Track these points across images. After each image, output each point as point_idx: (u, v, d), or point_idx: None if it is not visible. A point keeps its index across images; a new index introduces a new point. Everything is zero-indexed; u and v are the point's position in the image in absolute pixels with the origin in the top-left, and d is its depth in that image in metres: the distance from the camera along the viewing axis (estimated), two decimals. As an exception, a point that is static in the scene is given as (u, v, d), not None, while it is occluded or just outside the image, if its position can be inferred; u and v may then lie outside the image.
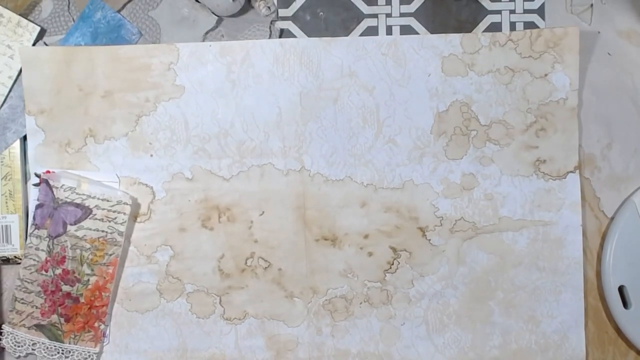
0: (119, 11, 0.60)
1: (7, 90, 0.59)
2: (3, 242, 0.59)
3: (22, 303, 0.58)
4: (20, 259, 0.59)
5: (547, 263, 0.60)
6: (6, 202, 0.59)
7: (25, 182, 0.60)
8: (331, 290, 0.60)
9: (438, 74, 0.59)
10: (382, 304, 0.60)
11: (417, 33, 0.61)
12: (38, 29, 0.59)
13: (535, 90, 0.59)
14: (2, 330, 0.58)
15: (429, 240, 0.60)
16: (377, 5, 0.61)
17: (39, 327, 0.58)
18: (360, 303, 0.60)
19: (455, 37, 0.59)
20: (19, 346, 0.58)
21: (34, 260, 0.58)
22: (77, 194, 0.57)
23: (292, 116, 0.59)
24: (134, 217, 0.59)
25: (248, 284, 0.60)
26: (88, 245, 0.58)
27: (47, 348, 0.58)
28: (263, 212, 0.60)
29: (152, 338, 0.60)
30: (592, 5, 0.61)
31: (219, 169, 0.59)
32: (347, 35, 0.61)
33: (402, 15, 0.61)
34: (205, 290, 0.60)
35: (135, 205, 0.59)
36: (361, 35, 0.61)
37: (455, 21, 0.61)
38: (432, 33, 0.60)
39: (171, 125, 0.59)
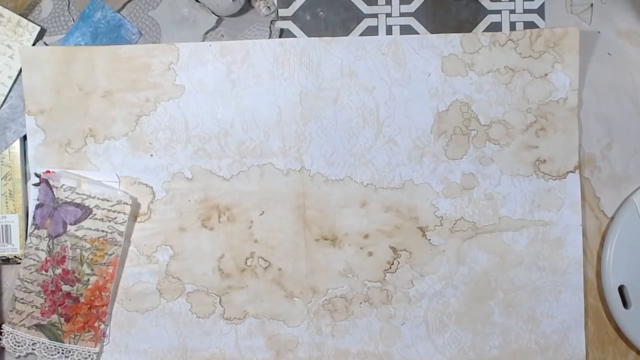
0: (119, 11, 0.60)
1: (7, 90, 0.59)
2: (3, 242, 0.59)
3: (22, 303, 0.58)
4: (20, 259, 0.59)
5: (547, 263, 0.60)
6: (6, 202, 0.59)
7: (25, 182, 0.60)
8: (331, 290, 0.60)
9: (438, 74, 0.59)
10: (382, 303, 0.60)
11: (417, 33, 0.61)
12: (38, 28, 0.59)
13: (535, 90, 0.59)
14: (2, 330, 0.58)
15: (429, 240, 0.60)
16: (377, 5, 0.61)
17: (39, 327, 0.58)
18: (360, 303, 0.60)
19: (455, 37, 0.59)
20: (19, 346, 0.58)
21: (34, 260, 0.58)
22: (77, 193, 0.57)
23: (292, 116, 0.59)
24: (134, 217, 0.59)
25: (248, 284, 0.60)
26: (88, 245, 0.58)
27: (47, 348, 0.58)
28: (263, 212, 0.60)
29: (152, 338, 0.60)
30: (592, 5, 0.61)
31: (219, 169, 0.59)
32: (347, 35, 0.61)
33: (402, 15, 0.61)
34: (205, 290, 0.60)
35: (135, 205, 0.59)
36: (361, 35, 0.61)
37: (455, 21, 0.61)
38: (432, 33, 0.60)
39: (171, 125, 0.59)
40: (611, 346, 0.61)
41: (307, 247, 0.60)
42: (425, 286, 0.60)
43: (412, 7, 0.61)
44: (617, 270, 0.59)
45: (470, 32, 0.60)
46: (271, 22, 0.60)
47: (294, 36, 0.61)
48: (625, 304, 0.59)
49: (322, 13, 0.61)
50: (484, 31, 0.60)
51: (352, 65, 0.59)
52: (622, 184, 0.61)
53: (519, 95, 0.59)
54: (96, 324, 0.58)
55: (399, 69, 0.59)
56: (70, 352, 0.58)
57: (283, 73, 0.59)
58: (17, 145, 0.60)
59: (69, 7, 0.60)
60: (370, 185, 0.60)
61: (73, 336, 0.58)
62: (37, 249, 0.57)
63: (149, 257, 0.60)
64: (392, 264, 0.60)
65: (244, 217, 0.60)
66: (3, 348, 0.58)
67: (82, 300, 0.58)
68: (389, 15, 0.61)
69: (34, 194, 0.58)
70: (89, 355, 0.59)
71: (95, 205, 0.57)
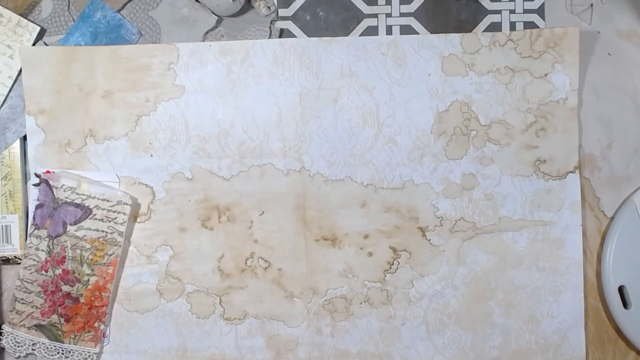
0: (119, 11, 0.60)
1: (7, 90, 0.59)
2: (3, 242, 0.59)
3: (22, 303, 0.58)
4: (20, 259, 0.59)
5: (547, 263, 0.60)
6: (6, 202, 0.59)
7: (25, 182, 0.60)
8: (331, 291, 0.60)
9: (438, 74, 0.59)
10: (382, 304, 0.60)
11: (417, 33, 0.61)
12: (38, 29, 0.59)
13: (535, 90, 0.59)
14: (2, 330, 0.58)
15: (429, 240, 0.60)
16: (377, 5, 0.61)
17: (39, 327, 0.58)
18: (360, 303, 0.60)
19: (455, 37, 0.59)
20: (19, 346, 0.58)
21: (34, 260, 0.58)
22: (77, 194, 0.57)
23: (292, 116, 0.59)
24: (134, 217, 0.59)
25: (248, 284, 0.60)
26: (88, 245, 0.58)
27: (47, 348, 0.58)
28: (263, 212, 0.60)
29: (152, 338, 0.60)
30: (592, 5, 0.61)
31: (219, 169, 0.59)
32: (347, 35, 0.61)
33: (402, 15, 0.61)
34: (205, 290, 0.60)
35: (135, 205, 0.59)
36: (361, 35, 0.61)
37: (455, 21, 0.61)
38: (432, 33, 0.60)
39: (171, 125, 0.59)
40: (611, 346, 0.61)
41: (307, 248, 0.60)
42: (425, 286, 0.60)
43: (412, 7, 0.61)
44: (617, 270, 0.59)
45: (470, 32, 0.60)
46: (271, 22, 0.60)
47: (294, 36, 0.61)
48: (625, 304, 0.59)
49: (322, 13, 0.61)
50: (484, 31, 0.60)
51: (352, 66, 0.59)
52: (622, 184, 0.61)
53: (519, 95, 0.59)
54: (96, 324, 0.58)
55: (399, 69, 0.59)
56: (70, 352, 0.58)
57: (283, 73, 0.59)
58: (17, 145, 0.60)
59: (69, 7, 0.60)
60: (370, 185, 0.60)
61: (73, 336, 0.58)
62: (37, 249, 0.57)
63: (149, 257, 0.60)
64: (392, 264, 0.60)
65: (244, 218, 0.60)
66: (3, 348, 0.58)
67: (82, 300, 0.58)
68: (389, 15, 0.61)
69: (34, 194, 0.58)
70: (89, 356, 0.59)
71: (95, 206, 0.57)
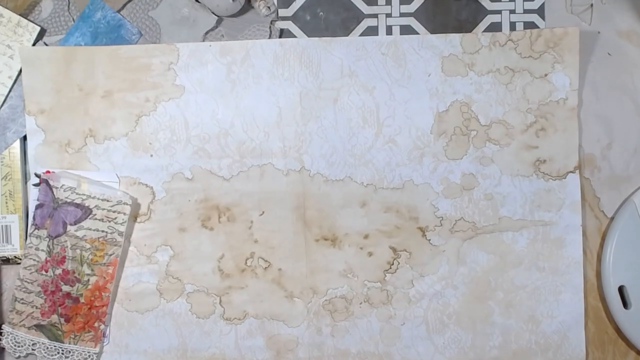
0: (119, 11, 0.60)
1: (7, 90, 0.59)
2: (3, 242, 0.59)
3: (22, 303, 0.58)
4: (20, 259, 0.59)
5: (547, 263, 0.60)
6: (6, 202, 0.59)
7: (25, 182, 0.60)
8: (331, 290, 0.60)
9: (438, 74, 0.59)
10: (382, 304, 0.60)
11: (417, 33, 0.61)
12: (38, 29, 0.59)
13: (535, 90, 0.59)
14: (2, 330, 0.58)
15: (429, 240, 0.60)
16: (377, 5, 0.61)
17: (39, 327, 0.58)
18: (360, 303, 0.60)
19: (455, 37, 0.59)
20: (19, 346, 0.58)
21: (34, 260, 0.58)
22: (77, 194, 0.57)
23: (292, 116, 0.59)
24: (134, 217, 0.59)
25: (248, 284, 0.60)
26: (88, 245, 0.58)
27: (47, 348, 0.58)
28: (263, 212, 0.60)
29: (152, 338, 0.60)
30: (592, 5, 0.61)
31: (219, 169, 0.59)
32: (347, 35, 0.61)
33: (402, 15, 0.61)
34: (205, 290, 0.60)
35: (135, 205, 0.59)
36: (361, 35, 0.61)
37: (455, 21, 0.61)
38: (432, 33, 0.60)
39: (171, 125, 0.59)
40: (611, 346, 0.61)
41: (307, 248, 0.60)
42: (425, 286, 0.60)
43: (412, 7, 0.61)
44: (617, 270, 0.59)
45: (470, 32, 0.60)
46: (271, 22, 0.60)
47: (294, 36, 0.61)
48: (625, 304, 0.59)
49: (322, 13, 0.61)
50: (484, 31, 0.60)
51: (352, 65, 0.59)
52: (622, 184, 0.61)
53: (519, 96, 0.59)
54: (96, 324, 0.58)
55: (399, 69, 0.59)
56: (70, 352, 0.58)
57: (283, 73, 0.59)
58: (17, 145, 0.60)
59: (69, 7, 0.60)
60: (370, 185, 0.60)
61: (73, 336, 0.58)
62: (37, 249, 0.57)
63: (149, 257, 0.60)
64: (392, 264, 0.60)
65: (244, 217, 0.60)
66: (3, 348, 0.58)
67: (82, 300, 0.58)
68: (389, 15, 0.61)
69: (34, 194, 0.58)
70: (89, 356, 0.59)
71: (95, 206, 0.57)
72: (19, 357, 0.59)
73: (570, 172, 0.59)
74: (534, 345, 0.60)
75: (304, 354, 0.60)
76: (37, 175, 0.58)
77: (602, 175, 0.61)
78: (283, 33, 0.61)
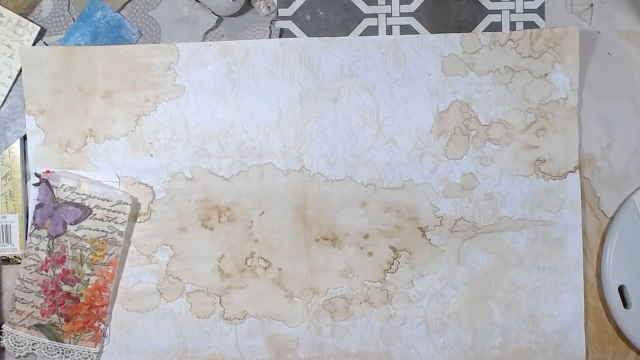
0: (119, 11, 0.60)
1: (7, 90, 0.59)
2: (3, 242, 0.59)
3: (22, 303, 0.58)
4: (20, 259, 0.59)
5: (547, 263, 0.60)
6: (6, 202, 0.59)
7: (25, 182, 0.60)
8: (331, 290, 0.60)
9: (438, 74, 0.59)
10: (382, 303, 0.60)
11: (417, 33, 0.61)
12: (38, 28, 0.59)
13: (535, 90, 0.59)
14: (2, 330, 0.58)
15: (429, 240, 0.60)
16: (377, 5, 0.61)
17: (39, 327, 0.58)
18: (360, 303, 0.60)
19: (455, 37, 0.59)
20: (19, 346, 0.58)
21: (34, 260, 0.58)
22: (77, 193, 0.57)
23: (292, 116, 0.59)
24: (134, 217, 0.59)
25: (248, 284, 0.60)
26: (88, 245, 0.58)
27: (47, 348, 0.58)
28: (263, 212, 0.60)
29: (152, 338, 0.60)
30: (592, 5, 0.61)
31: (219, 169, 0.59)
32: (347, 35, 0.61)
33: (402, 15, 0.61)
34: (205, 290, 0.60)
35: (135, 205, 0.59)
36: (361, 35, 0.61)
37: (455, 21, 0.61)
38: (432, 33, 0.60)
39: (171, 125, 0.59)
40: (611, 346, 0.61)
41: (307, 247, 0.60)
42: (425, 286, 0.60)
43: (412, 7, 0.61)
44: (617, 270, 0.59)
45: (470, 32, 0.60)
46: (271, 22, 0.60)
47: (294, 36, 0.61)
48: (625, 304, 0.59)
49: (322, 13, 0.61)
50: (484, 31, 0.60)
51: (352, 65, 0.59)
52: (622, 184, 0.61)
53: (519, 95, 0.59)
54: (96, 324, 0.58)
55: (399, 69, 0.59)
56: (70, 352, 0.58)
57: (283, 73, 0.59)
58: (17, 145, 0.60)
59: (69, 7, 0.60)
60: (370, 185, 0.60)
61: (73, 336, 0.58)
62: (37, 249, 0.57)
63: (149, 257, 0.60)
64: (392, 264, 0.60)
65: (244, 217, 0.60)
66: (3, 348, 0.58)
67: (82, 300, 0.58)
68: (389, 15, 0.61)
69: (34, 194, 0.58)
70: (89, 355, 0.59)
71: (95, 205, 0.57)
72: (19, 356, 0.59)
73: (570, 172, 0.59)
74: (534, 345, 0.60)
75: (304, 354, 0.60)
76: (37, 175, 0.58)
77: (602, 175, 0.61)
78: (283, 33, 0.61)
